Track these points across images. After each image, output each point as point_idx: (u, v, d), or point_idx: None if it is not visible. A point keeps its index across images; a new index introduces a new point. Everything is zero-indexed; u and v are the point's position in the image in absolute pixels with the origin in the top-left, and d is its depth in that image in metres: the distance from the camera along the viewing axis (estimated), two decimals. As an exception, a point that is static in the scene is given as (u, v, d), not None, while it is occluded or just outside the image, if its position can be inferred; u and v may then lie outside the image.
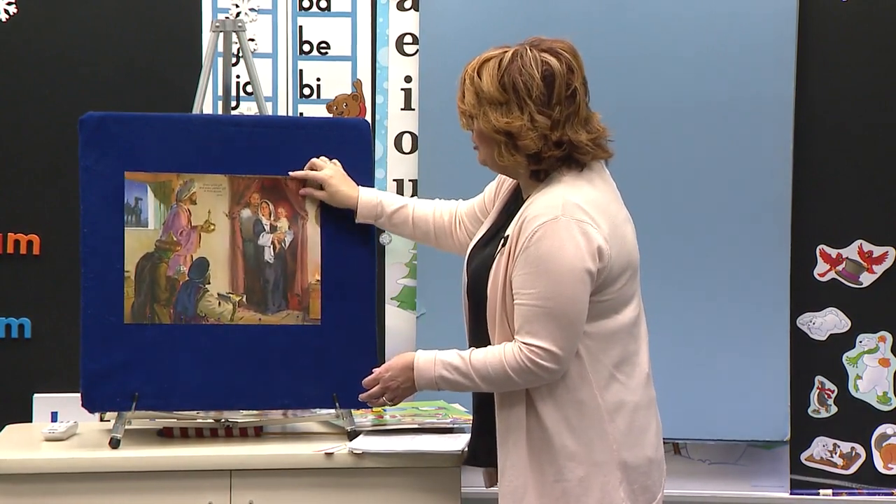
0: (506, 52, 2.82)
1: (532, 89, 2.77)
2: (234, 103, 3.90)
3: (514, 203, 2.95)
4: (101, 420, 3.50)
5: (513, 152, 2.80)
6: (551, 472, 2.79)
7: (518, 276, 2.75)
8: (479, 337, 2.90)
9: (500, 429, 2.85)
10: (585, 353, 2.79)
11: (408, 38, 3.95)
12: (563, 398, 2.79)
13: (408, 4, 3.94)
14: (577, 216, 2.74)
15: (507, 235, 2.81)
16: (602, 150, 2.86)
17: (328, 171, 3.31)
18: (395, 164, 3.96)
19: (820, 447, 3.96)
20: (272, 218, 3.31)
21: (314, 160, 3.33)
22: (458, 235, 3.22)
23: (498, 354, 2.78)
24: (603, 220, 2.77)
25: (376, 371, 2.97)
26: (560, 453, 2.78)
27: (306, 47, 3.95)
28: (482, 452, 3.00)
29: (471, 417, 3.18)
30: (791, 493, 3.95)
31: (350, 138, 3.37)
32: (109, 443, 3.21)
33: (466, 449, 3.15)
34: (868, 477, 3.96)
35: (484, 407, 2.94)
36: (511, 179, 3.00)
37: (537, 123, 2.77)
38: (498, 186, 3.08)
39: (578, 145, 2.80)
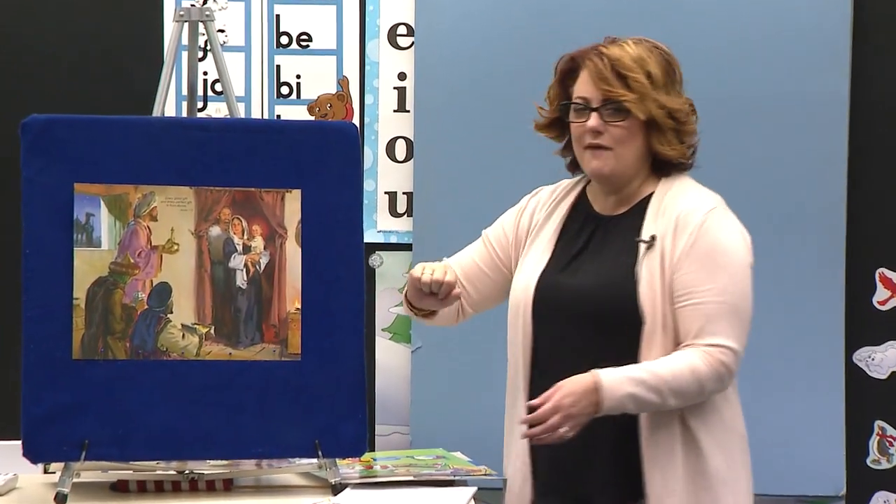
0: (624, 40, 2.88)
1: (679, 73, 2.90)
2: (200, 104, 3.98)
3: (580, 218, 2.97)
4: (46, 472, 3.48)
5: (683, 139, 2.88)
6: (708, 500, 2.83)
7: (688, 274, 2.81)
8: (583, 366, 2.81)
9: (649, 454, 2.84)
10: None
11: (401, 30, 4.02)
12: (710, 417, 2.84)
13: (401, -10, 4.10)
14: (729, 210, 2.88)
15: (652, 238, 2.84)
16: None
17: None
18: (386, 175, 4.03)
19: (881, 503, 4.03)
20: (245, 236, 3.29)
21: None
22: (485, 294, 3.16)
23: (683, 363, 2.77)
24: None
25: (551, 400, 2.80)
26: (715, 478, 2.83)
27: (284, 40, 4.03)
28: (618, 487, 2.91)
29: (476, 467, 3.26)
30: (847, 556, 4.05)
31: (335, 145, 3.32)
32: (55, 498, 3.16)
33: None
34: (934, 538, 4.02)
35: (626, 435, 2.86)
36: (545, 202, 3.01)
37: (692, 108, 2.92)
38: (518, 218, 3.07)
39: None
